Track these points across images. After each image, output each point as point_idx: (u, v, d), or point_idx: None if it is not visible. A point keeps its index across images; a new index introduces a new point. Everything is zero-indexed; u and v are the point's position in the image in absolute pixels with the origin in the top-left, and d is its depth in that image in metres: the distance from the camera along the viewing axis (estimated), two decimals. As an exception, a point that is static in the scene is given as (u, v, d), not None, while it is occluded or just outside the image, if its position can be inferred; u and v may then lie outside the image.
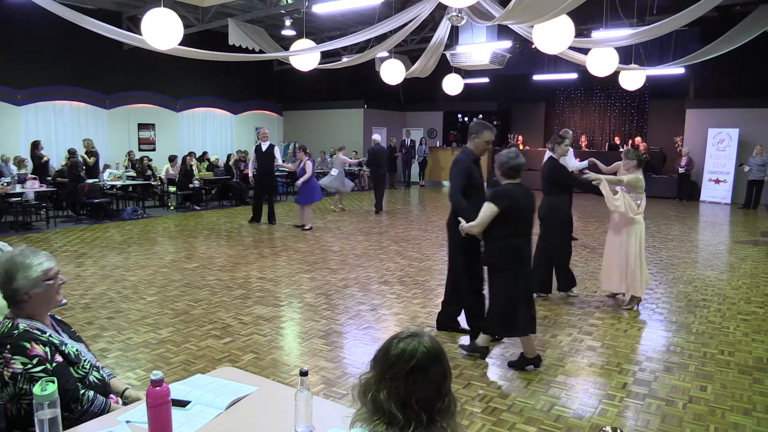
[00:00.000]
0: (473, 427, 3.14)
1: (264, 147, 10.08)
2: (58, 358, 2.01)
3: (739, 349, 4.35)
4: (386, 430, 1.31)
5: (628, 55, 9.82)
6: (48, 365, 1.96)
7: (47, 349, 1.98)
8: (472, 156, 4.35)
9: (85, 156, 11.90)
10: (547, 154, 6.86)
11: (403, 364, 1.33)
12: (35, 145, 11.30)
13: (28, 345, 1.95)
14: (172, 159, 12.88)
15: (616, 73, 7.94)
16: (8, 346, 1.94)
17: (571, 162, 7.81)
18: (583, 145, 17.09)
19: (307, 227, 9.78)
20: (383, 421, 1.32)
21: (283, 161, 16.65)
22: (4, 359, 1.92)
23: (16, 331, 1.97)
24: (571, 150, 7.79)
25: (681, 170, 14.25)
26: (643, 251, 5.25)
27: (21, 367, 1.92)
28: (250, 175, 10.36)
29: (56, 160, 12.46)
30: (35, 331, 2.00)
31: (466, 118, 19.82)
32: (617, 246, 5.26)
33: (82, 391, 2.02)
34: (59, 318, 2.26)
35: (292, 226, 10.08)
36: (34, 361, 1.94)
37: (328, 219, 11.12)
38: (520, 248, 3.89)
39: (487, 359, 4.13)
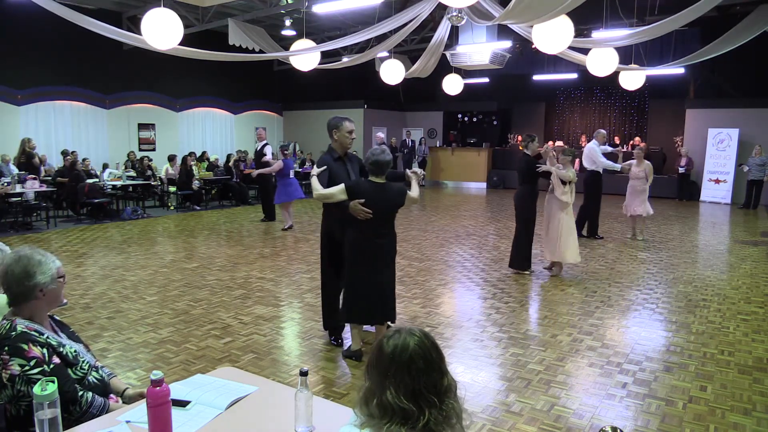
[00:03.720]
0: (473, 428, 3.14)
1: (258, 147, 10.68)
2: (56, 359, 2.01)
3: (739, 349, 4.35)
4: (402, 428, 1.32)
5: (628, 55, 9.82)
6: (45, 367, 1.95)
7: (45, 350, 1.98)
8: (335, 154, 4.31)
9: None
10: (586, 149, 8.93)
11: (401, 357, 1.36)
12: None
13: (25, 347, 1.94)
14: (171, 159, 12.88)
15: (616, 73, 7.95)
16: (6, 348, 1.93)
17: (602, 160, 8.79)
18: (583, 144, 17.08)
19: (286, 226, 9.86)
20: (395, 421, 1.32)
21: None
22: (2, 361, 1.92)
23: (13, 333, 1.96)
24: (598, 147, 8.84)
25: (681, 170, 14.25)
26: (574, 229, 6.60)
27: (19, 369, 1.92)
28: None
29: (56, 160, 12.46)
30: (33, 333, 2.00)
31: (466, 118, 19.83)
32: (557, 224, 6.45)
33: (80, 393, 2.01)
34: (58, 318, 2.25)
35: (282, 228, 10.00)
36: (32, 363, 1.93)
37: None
38: (364, 242, 3.91)
39: (485, 358, 4.14)
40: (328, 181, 4.08)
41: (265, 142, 10.67)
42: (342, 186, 3.88)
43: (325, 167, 4.14)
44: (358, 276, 3.95)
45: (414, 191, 4.08)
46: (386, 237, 4.00)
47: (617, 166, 8.95)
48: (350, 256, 4.00)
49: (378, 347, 1.41)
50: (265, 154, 10.36)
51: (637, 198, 8.76)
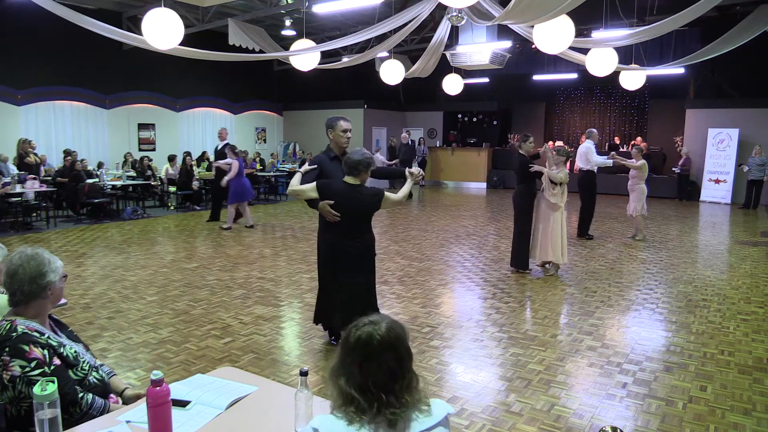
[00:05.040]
0: (473, 428, 3.14)
1: (219, 146, 10.41)
2: (57, 361, 2.00)
3: (739, 349, 4.35)
4: (355, 413, 1.36)
5: (628, 55, 9.83)
6: (46, 368, 1.95)
7: (45, 351, 1.97)
8: (331, 153, 4.29)
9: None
10: (582, 148, 8.94)
11: (359, 351, 1.39)
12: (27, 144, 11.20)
13: (26, 348, 1.94)
14: (171, 159, 12.87)
15: (616, 73, 7.95)
16: (7, 349, 1.93)
17: (596, 158, 8.86)
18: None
19: (225, 227, 9.77)
20: (348, 404, 1.38)
21: (283, 160, 16.77)
22: (3, 362, 1.91)
23: (14, 334, 1.95)
24: (593, 147, 8.89)
25: (675, 170, 14.26)
26: (565, 230, 6.68)
27: (20, 370, 1.91)
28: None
29: (56, 160, 12.46)
30: (34, 333, 1.99)
31: (466, 118, 19.83)
32: (551, 225, 6.52)
33: (80, 395, 2.01)
34: (57, 318, 2.25)
35: (244, 227, 9.91)
36: (33, 365, 1.93)
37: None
38: (336, 245, 3.88)
39: (485, 358, 4.14)
40: (318, 179, 4.05)
41: (226, 142, 10.43)
42: (313, 185, 3.82)
43: (315, 166, 4.13)
44: (326, 278, 3.92)
45: (400, 192, 3.94)
46: (357, 240, 3.90)
47: (609, 162, 8.92)
48: (320, 257, 3.97)
49: (347, 332, 1.45)
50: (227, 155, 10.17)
51: (631, 196, 8.77)
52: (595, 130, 9.24)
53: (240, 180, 9.75)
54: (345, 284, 3.88)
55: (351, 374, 1.39)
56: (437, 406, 1.44)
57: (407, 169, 4.21)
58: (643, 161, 8.72)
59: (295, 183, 3.91)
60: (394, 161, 15.01)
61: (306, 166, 4.12)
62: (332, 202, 3.77)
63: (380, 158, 14.68)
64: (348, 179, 3.82)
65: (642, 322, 5.02)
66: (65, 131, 13.08)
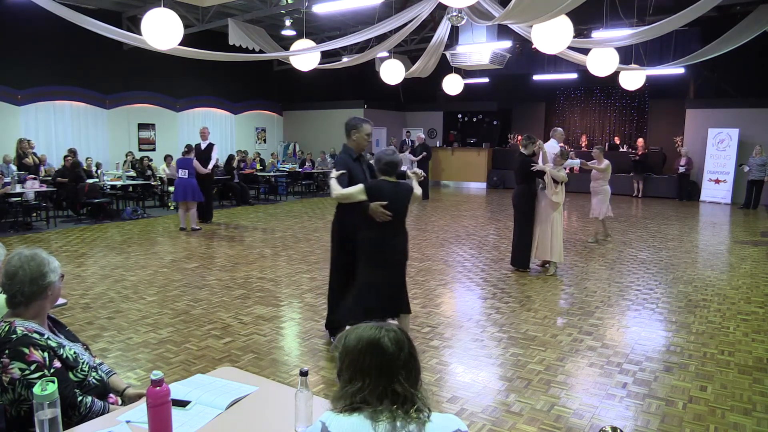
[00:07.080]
0: (473, 428, 3.14)
1: (203, 146, 10.23)
2: (57, 363, 1.98)
3: (739, 349, 4.35)
4: (362, 409, 1.36)
5: (628, 55, 9.83)
6: (46, 371, 1.93)
7: (46, 354, 1.96)
8: (353, 154, 4.30)
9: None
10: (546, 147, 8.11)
11: (357, 356, 1.39)
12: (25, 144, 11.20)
13: (26, 350, 1.92)
14: (167, 158, 12.85)
15: (616, 73, 7.95)
16: (6, 351, 1.91)
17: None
18: (583, 145, 17.11)
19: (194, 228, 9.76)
20: (349, 407, 1.37)
21: (283, 160, 16.76)
22: (2, 364, 1.90)
23: (14, 336, 1.94)
24: (558, 147, 8.40)
25: (681, 170, 14.25)
26: (562, 229, 6.74)
27: (19, 373, 1.90)
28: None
29: (56, 160, 12.46)
30: (34, 335, 1.97)
31: (466, 118, 19.83)
32: (550, 224, 6.53)
33: (79, 398, 2.00)
34: (55, 317, 2.24)
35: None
36: (32, 368, 1.91)
37: (328, 219, 11.11)
38: (378, 241, 3.94)
39: (485, 358, 4.14)
40: (348, 181, 4.08)
41: (209, 141, 10.17)
42: (361, 186, 3.89)
43: (344, 171, 4.13)
44: (374, 275, 3.94)
45: (417, 190, 4.13)
46: (400, 236, 4.04)
47: (576, 162, 8.71)
48: (366, 255, 3.98)
49: (346, 333, 1.45)
50: (211, 157, 10.03)
51: (594, 198, 8.52)
52: (560, 129, 8.76)
53: (178, 180, 9.60)
54: (389, 279, 3.96)
55: (348, 378, 1.39)
56: (447, 420, 1.40)
57: (407, 170, 4.25)
58: (607, 162, 8.45)
59: (337, 187, 3.96)
60: (422, 155, 14.78)
61: (335, 171, 4.10)
62: (385, 202, 3.82)
63: (409, 157, 14.59)
64: (387, 178, 3.93)
65: (642, 322, 5.02)
66: (65, 131, 13.08)
